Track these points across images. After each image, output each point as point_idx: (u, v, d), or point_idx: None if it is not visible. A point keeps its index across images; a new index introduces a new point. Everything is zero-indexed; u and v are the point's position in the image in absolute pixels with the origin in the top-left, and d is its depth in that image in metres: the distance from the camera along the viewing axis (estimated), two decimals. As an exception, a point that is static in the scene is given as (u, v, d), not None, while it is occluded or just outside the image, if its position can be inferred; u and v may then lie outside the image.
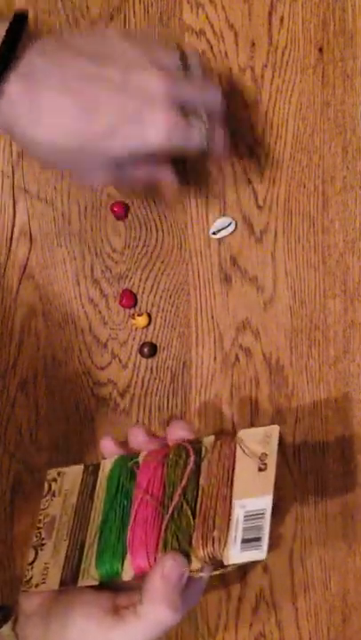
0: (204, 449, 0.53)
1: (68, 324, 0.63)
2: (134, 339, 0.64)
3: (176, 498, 0.51)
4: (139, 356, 0.64)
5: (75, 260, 0.63)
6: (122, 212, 0.63)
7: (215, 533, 0.48)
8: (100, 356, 0.64)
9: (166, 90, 0.52)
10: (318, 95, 0.64)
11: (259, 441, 0.51)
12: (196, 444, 0.53)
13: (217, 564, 0.49)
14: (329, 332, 0.66)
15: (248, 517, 0.48)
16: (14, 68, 0.49)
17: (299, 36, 0.63)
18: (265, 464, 0.50)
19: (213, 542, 0.48)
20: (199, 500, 0.51)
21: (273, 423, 0.66)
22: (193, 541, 0.49)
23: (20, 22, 0.50)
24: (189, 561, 0.49)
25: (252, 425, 0.66)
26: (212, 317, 0.65)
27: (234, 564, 0.48)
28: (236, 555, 0.48)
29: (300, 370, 0.66)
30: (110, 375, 0.64)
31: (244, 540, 0.48)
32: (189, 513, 0.50)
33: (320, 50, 0.64)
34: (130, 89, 0.52)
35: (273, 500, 0.49)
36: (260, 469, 0.50)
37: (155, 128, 0.52)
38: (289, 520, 0.67)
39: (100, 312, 0.64)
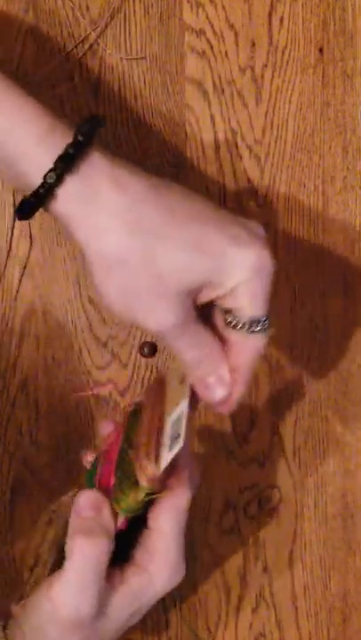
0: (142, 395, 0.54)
1: (68, 323, 0.63)
2: (134, 339, 0.64)
3: (118, 447, 0.51)
4: (139, 355, 0.64)
5: (75, 260, 0.63)
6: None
7: (150, 455, 0.49)
8: (100, 356, 0.64)
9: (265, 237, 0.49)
10: (318, 95, 0.64)
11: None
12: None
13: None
14: (329, 331, 0.66)
15: (173, 424, 0.49)
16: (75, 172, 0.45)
17: (299, 35, 0.63)
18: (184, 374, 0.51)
19: (149, 463, 0.48)
20: (135, 436, 0.51)
21: (273, 423, 0.66)
22: (138, 475, 0.49)
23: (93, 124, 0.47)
24: (140, 493, 0.49)
25: (251, 424, 0.66)
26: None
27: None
28: (165, 459, 0.48)
29: (301, 370, 0.66)
30: (110, 375, 0.64)
31: (171, 444, 0.49)
32: (130, 454, 0.50)
33: (320, 50, 0.64)
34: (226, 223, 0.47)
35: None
36: (182, 380, 0.51)
37: (248, 258, 0.47)
38: (289, 520, 0.67)
39: (99, 312, 0.64)
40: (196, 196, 0.49)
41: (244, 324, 0.49)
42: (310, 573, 0.68)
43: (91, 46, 0.62)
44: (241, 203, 0.64)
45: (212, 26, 0.62)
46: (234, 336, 0.50)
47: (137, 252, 0.46)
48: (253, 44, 0.63)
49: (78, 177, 0.46)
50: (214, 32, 0.63)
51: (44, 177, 0.45)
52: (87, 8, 0.61)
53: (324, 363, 0.66)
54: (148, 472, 0.48)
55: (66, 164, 0.45)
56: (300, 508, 0.67)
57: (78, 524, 0.49)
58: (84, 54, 0.62)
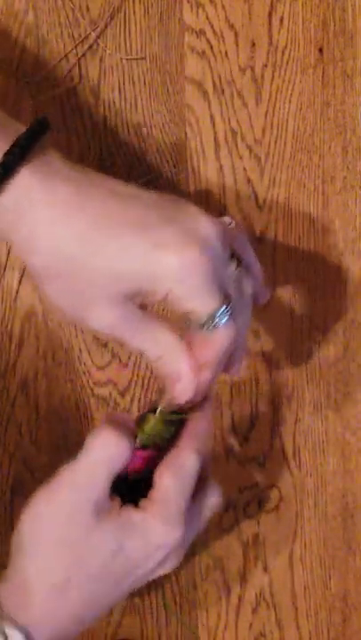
0: None
1: (68, 324, 0.63)
2: (134, 339, 0.64)
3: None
4: (139, 355, 0.64)
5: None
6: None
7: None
8: (100, 356, 0.64)
9: (218, 231, 0.48)
10: (318, 95, 0.64)
11: None
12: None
13: None
14: (329, 332, 0.66)
15: None
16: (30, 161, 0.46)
17: (299, 35, 0.63)
18: None
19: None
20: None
21: (273, 423, 0.66)
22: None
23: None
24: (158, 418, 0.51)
25: (251, 424, 0.66)
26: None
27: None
28: None
29: (301, 370, 0.66)
30: (110, 375, 0.64)
31: None
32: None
33: (320, 50, 0.64)
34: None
35: None
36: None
37: (175, 264, 0.47)
38: (289, 520, 0.68)
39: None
40: (130, 194, 0.49)
41: (201, 325, 0.49)
42: (310, 573, 0.68)
43: (91, 46, 0.61)
44: (241, 203, 0.64)
45: (212, 26, 0.62)
46: (196, 335, 0.50)
47: (66, 263, 0.47)
48: (253, 44, 0.63)
49: (13, 187, 0.46)
50: (214, 32, 0.63)
51: None
52: (87, 8, 0.61)
53: (325, 362, 0.66)
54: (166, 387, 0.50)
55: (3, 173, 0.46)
56: (300, 508, 0.67)
57: (107, 422, 0.50)
58: (84, 54, 0.61)
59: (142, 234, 0.47)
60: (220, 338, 0.49)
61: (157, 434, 0.51)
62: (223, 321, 0.49)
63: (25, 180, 0.46)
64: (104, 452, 0.49)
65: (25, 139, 0.47)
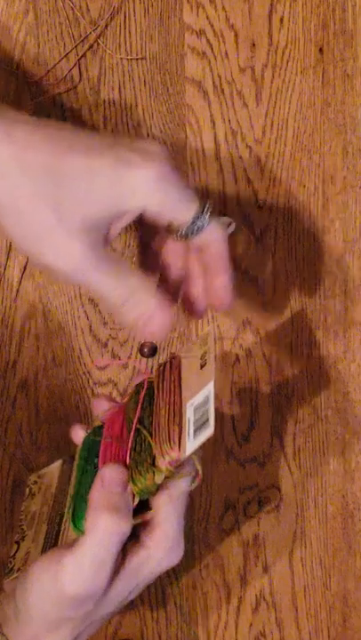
0: (154, 379, 0.54)
1: (68, 324, 0.63)
2: (134, 339, 0.64)
3: (133, 429, 0.51)
4: (139, 355, 0.64)
5: (75, 260, 0.63)
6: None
7: (171, 440, 0.48)
8: (100, 356, 0.64)
9: (167, 154, 0.48)
10: (318, 95, 0.64)
11: (198, 348, 0.52)
12: (148, 379, 0.54)
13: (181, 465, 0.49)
14: (329, 332, 0.66)
15: (197, 410, 0.49)
16: None
17: (299, 35, 0.63)
18: (205, 360, 0.51)
19: (171, 448, 0.48)
20: (153, 419, 0.51)
21: (273, 423, 0.66)
22: (155, 459, 0.49)
23: None
24: (158, 476, 0.49)
25: (251, 424, 0.66)
26: (212, 317, 0.65)
27: (192, 454, 0.48)
28: (190, 444, 0.48)
29: (301, 370, 0.66)
30: (110, 375, 0.64)
31: (196, 430, 0.48)
32: (148, 437, 0.50)
33: (320, 50, 0.64)
34: (120, 144, 0.47)
35: (215, 384, 0.49)
36: (202, 366, 0.50)
37: (144, 176, 0.46)
38: (289, 520, 0.67)
39: (100, 312, 0.64)
40: (89, 132, 0.49)
41: (189, 229, 0.49)
42: (310, 573, 0.68)
43: (91, 46, 0.62)
44: (241, 203, 0.64)
45: (212, 26, 0.62)
46: (193, 243, 0.49)
47: (30, 195, 0.45)
48: (253, 44, 0.63)
49: None
50: (214, 32, 0.63)
51: None
52: (87, 8, 0.61)
53: (325, 363, 0.66)
54: (171, 456, 0.48)
55: None
56: (300, 508, 0.67)
57: (105, 498, 0.48)
58: (84, 54, 0.62)
59: (111, 155, 0.47)
60: (214, 237, 0.49)
61: (152, 490, 0.50)
62: (207, 221, 0.49)
63: None
64: (110, 538, 0.48)
65: None
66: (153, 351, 0.64)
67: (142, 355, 0.64)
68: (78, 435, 0.56)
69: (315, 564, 0.68)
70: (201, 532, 0.66)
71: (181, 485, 0.50)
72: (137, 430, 0.51)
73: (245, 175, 0.64)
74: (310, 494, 0.67)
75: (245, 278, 0.65)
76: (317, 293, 0.66)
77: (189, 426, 0.49)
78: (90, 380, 0.64)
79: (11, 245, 0.62)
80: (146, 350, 0.64)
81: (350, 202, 0.65)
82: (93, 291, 0.48)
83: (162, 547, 0.50)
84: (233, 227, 0.63)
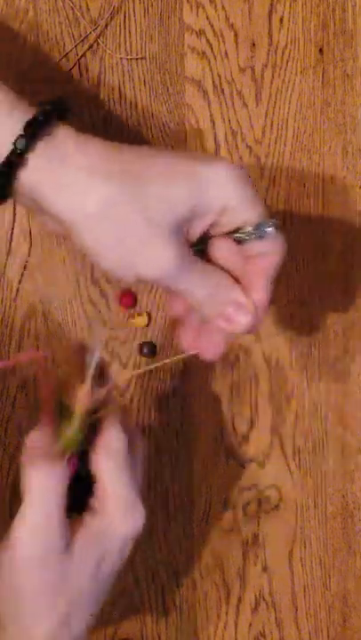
0: None
1: (68, 324, 0.63)
2: (134, 339, 0.64)
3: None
4: (139, 355, 0.64)
5: (75, 260, 0.63)
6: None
7: (75, 381, 0.49)
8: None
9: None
10: (318, 95, 0.64)
11: None
12: None
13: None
14: (329, 332, 0.66)
15: (95, 365, 0.49)
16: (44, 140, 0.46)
17: (299, 35, 0.63)
18: None
19: (77, 387, 0.49)
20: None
21: (273, 423, 0.66)
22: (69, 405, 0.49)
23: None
24: (75, 419, 0.49)
25: (251, 424, 0.66)
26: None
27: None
28: (89, 381, 0.49)
29: (301, 370, 0.66)
30: (110, 375, 0.64)
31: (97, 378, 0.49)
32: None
33: (320, 50, 0.64)
34: None
35: None
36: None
37: (225, 171, 0.47)
38: (289, 520, 0.68)
39: (100, 312, 0.64)
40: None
41: (252, 232, 0.48)
42: (310, 573, 0.68)
43: (91, 46, 0.61)
44: (241, 203, 0.64)
45: (212, 26, 0.62)
46: (249, 250, 0.49)
47: (118, 201, 0.46)
48: (253, 44, 0.63)
49: (47, 142, 0.46)
50: (214, 32, 0.63)
51: (14, 143, 0.45)
52: (87, 8, 0.61)
53: (324, 362, 0.66)
54: (77, 393, 0.48)
55: (35, 130, 0.46)
56: (300, 508, 0.67)
57: (29, 456, 0.48)
58: (84, 54, 0.61)
59: (183, 156, 0.48)
60: (274, 247, 0.49)
61: (76, 441, 0.49)
62: (271, 229, 0.48)
63: (60, 135, 0.46)
64: (45, 490, 0.47)
65: (59, 102, 0.48)
66: (153, 351, 0.64)
67: (142, 354, 0.64)
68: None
69: (315, 563, 0.68)
70: (201, 531, 0.66)
71: (115, 437, 0.49)
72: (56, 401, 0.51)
73: (245, 175, 0.64)
74: (310, 494, 0.67)
75: (245, 278, 0.65)
76: (317, 293, 0.66)
77: (90, 370, 0.49)
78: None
79: (11, 245, 0.62)
80: (146, 350, 0.64)
81: (350, 202, 0.65)
82: (180, 290, 0.48)
83: (119, 512, 0.48)
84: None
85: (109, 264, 0.47)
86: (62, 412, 0.50)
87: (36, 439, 0.49)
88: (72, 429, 0.49)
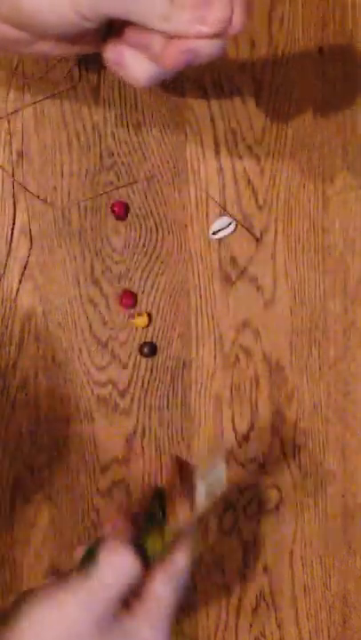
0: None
1: (68, 323, 0.63)
2: (134, 339, 0.64)
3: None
4: (139, 355, 0.64)
5: (75, 260, 0.63)
6: (122, 212, 0.63)
7: (181, 497, 0.51)
8: (100, 356, 0.64)
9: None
10: (318, 95, 0.64)
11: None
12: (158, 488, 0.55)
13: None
14: (329, 332, 0.66)
15: (207, 484, 0.52)
16: None
17: (299, 35, 0.63)
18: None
19: (182, 504, 0.51)
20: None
21: (273, 423, 0.66)
22: (166, 517, 0.51)
23: None
24: (167, 534, 0.51)
25: (251, 424, 0.66)
26: (212, 317, 0.65)
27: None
28: (200, 506, 0.50)
29: (300, 370, 0.66)
30: (110, 375, 0.64)
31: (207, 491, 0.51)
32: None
33: (320, 50, 0.64)
34: None
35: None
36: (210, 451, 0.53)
37: None
38: (289, 520, 0.67)
39: (100, 312, 0.64)
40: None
41: None
42: (310, 573, 0.68)
43: (91, 46, 0.61)
44: (241, 203, 0.64)
45: (212, 26, 0.62)
46: None
47: None
48: (253, 44, 0.63)
49: None
50: (214, 32, 0.62)
51: None
52: (87, 8, 0.61)
53: (325, 363, 0.66)
54: (182, 510, 0.50)
55: None
56: (300, 508, 0.67)
57: (115, 536, 0.50)
58: (84, 54, 0.61)
59: None
60: None
61: (159, 552, 0.51)
62: None
63: None
64: (118, 577, 0.48)
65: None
66: (153, 351, 0.64)
67: (142, 355, 0.64)
68: (78, 555, 0.56)
69: (315, 563, 0.68)
70: (201, 531, 0.66)
71: (180, 563, 0.51)
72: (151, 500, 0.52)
73: (245, 175, 0.64)
74: (310, 494, 0.67)
75: (245, 278, 0.65)
76: (317, 293, 0.66)
77: (201, 488, 0.51)
78: (90, 380, 0.64)
79: (11, 245, 0.62)
80: (146, 350, 0.64)
81: (350, 202, 0.65)
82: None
83: (148, 622, 0.50)
84: (233, 226, 0.63)
85: None
86: (155, 517, 0.52)
87: (124, 526, 0.51)
88: (163, 542, 0.51)
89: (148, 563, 0.51)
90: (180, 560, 0.51)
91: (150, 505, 0.52)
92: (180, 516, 0.51)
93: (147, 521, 0.52)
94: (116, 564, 0.49)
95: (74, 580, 0.49)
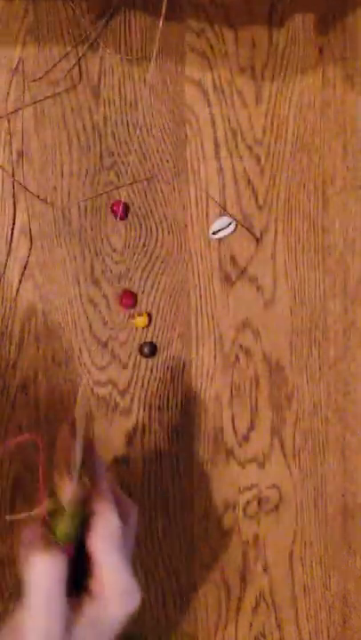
0: None
1: (68, 324, 0.63)
2: (134, 339, 0.64)
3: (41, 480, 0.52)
4: (139, 355, 0.64)
5: (75, 260, 0.63)
6: (122, 212, 0.63)
7: (62, 476, 0.50)
8: (99, 356, 0.64)
9: None
10: (318, 95, 0.64)
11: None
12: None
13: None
14: (329, 332, 0.66)
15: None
16: None
17: (299, 36, 0.63)
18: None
19: (64, 482, 0.50)
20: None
21: (273, 423, 0.66)
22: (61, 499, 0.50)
23: None
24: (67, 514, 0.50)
25: (251, 424, 0.66)
26: (212, 317, 0.65)
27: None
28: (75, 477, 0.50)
29: (300, 370, 0.66)
30: (110, 375, 0.64)
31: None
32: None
33: (320, 50, 0.64)
34: None
35: None
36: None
37: None
38: (289, 520, 0.67)
39: (100, 312, 0.64)
40: None
41: None
42: (310, 573, 0.68)
43: (91, 46, 0.62)
44: (241, 203, 0.64)
45: (212, 26, 0.62)
46: None
47: None
48: (253, 44, 0.63)
49: None
50: (214, 32, 0.63)
51: None
52: (87, 8, 0.61)
53: (325, 363, 0.66)
54: (65, 488, 0.49)
55: None
56: (300, 508, 0.67)
57: (27, 548, 0.49)
58: (84, 54, 0.62)
59: None
60: None
61: (69, 534, 0.50)
62: None
63: None
64: (45, 580, 0.48)
65: None
66: (153, 351, 0.64)
67: (142, 355, 0.64)
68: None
69: (315, 563, 0.68)
70: (201, 531, 0.66)
71: (109, 522, 0.50)
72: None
73: (245, 175, 0.64)
74: (310, 494, 0.67)
75: (245, 278, 0.65)
76: (317, 293, 0.66)
77: (78, 460, 0.50)
78: (90, 380, 0.64)
79: (11, 245, 0.62)
80: (146, 350, 0.64)
81: (350, 202, 0.65)
82: None
83: (115, 598, 0.50)
84: (233, 226, 0.63)
85: None
86: (56, 503, 0.51)
87: (31, 530, 0.50)
88: (64, 523, 0.50)
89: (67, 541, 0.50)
90: (104, 517, 0.50)
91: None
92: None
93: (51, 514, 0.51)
94: (40, 572, 0.49)
95: (20, 614, 0.49)
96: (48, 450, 0.55)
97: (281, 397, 0.66)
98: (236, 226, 0.64)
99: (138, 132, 0.63)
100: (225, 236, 0.64)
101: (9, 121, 0.61)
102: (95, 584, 0.50)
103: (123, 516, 0.51)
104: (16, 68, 0.61)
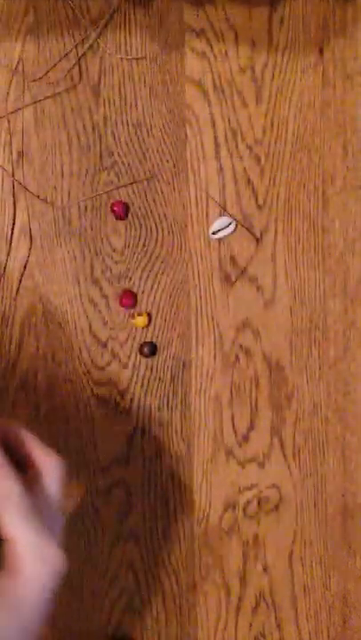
0: None
1: (68, 324, 0.63)
2: (134, 339, 0.64)
3: None
4: (139, 355, 0.64)
5: (75, 260, 0.63)
6: (122, 212, 0.63)
7: None
8: (100, 356, 0.64)
9: None
10: (318, 95, 0.64)
11: None
12: None
13: None
14: (329, 331, 0.66)
15: None
16: None
17: (299, 35, 0.63)
18: None
19: None
20: None
21: (273, 423, 0.66)
22: None
23: None
24: None
25: (251, 424, 0.66)
26: (212, 317, 0.65)
27: None
28: None
29: (300, 370, 0.66)
30: (110, 375, 0.64)
31: None
32: None
33: (320, 50, 0.64)
34: None
35: None
36: None
37: None
38: (289, 520, 0.67)
39: (100, 312, 0.64)
40: None
41: None
42: (310, 573, 0.68)
43: (91, 46, 0.62)
44: (241, 203, 0.64)
45: (212, 26, 0.62)
46: None
47: None
48: (253, 44, 0.63)
49: None
50: (214, 32, 0.63)
51: None
52: (87, 8, 0.61)
53: (324, 363, 0.66)
54: None
55: None
56: (300, 507, 0.67)
57: None
58: (84, 54, 0.62)
59: None
60: None
61: None
62: None
63: None
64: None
65: None
66: (153, 351, 0.64)
67: (142, 355, 0.64)
68: None
69: (315, 563, 0.68)
70: (201, 531, 0.66)
71: (4, 488, 0.46)
72: None
73: (245, 175, 0.64)
74: (310, 494, 0.67)
75: (245, 278, 0.65)
76: (317, 293, 0.66)
77: None
78: (90, 380, 0.64)
79: (11, 245, 0.62)
80: (146, 350, 0.64)
81: (350, 202, 0.65)
82: None
83: (25, 563, 0.45)
84: (233, 226, 0.63)
85: None
86: None
87: None
88: None
89: None
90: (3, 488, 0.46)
91: None
92: None
93: None
94: None
95: None
96: None
97: (281, 397, 0.66)
98: (236, 226, 0.64)
99: (138, 131, 0.63)
100: (225, 236, 0.64)
101: (9, 121, 0.61)
102: (8, 557, 0.45)
103: (34, 478, 0.46)
104: (16, 68, 0.61)
